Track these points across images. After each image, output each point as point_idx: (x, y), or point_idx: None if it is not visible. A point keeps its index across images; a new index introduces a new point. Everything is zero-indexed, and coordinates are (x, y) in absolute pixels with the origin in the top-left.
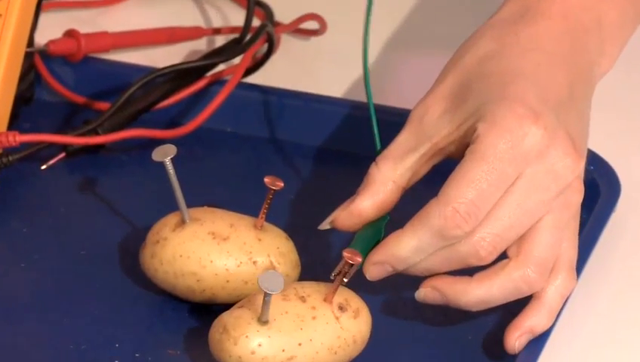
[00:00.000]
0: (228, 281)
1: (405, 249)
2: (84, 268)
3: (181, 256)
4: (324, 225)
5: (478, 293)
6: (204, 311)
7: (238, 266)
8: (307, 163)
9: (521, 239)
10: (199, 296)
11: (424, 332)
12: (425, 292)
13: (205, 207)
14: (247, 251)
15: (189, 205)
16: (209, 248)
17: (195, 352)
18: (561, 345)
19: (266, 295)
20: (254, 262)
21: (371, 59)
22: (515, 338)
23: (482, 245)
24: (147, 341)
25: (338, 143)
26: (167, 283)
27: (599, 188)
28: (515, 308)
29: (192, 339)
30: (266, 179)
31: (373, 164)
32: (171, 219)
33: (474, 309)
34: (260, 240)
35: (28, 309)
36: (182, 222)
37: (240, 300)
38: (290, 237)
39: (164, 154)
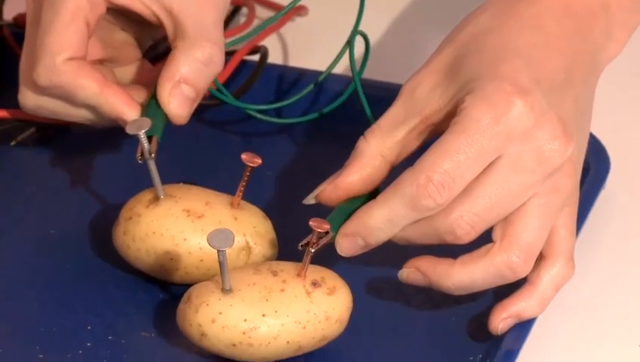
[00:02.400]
0: (202, 260)
1: (376, 219)
2: (54, 248)
3: (154, 233)
4: (309, 200)
5: (460, 277)
6: (178, 293)
7: None
8: (287, 138)
9: (506, 222)
10: (172, 274)
11: (407, 314)
12: (407, 273)
13: (181, 184)
14: None
15: (165, 182)
16: (183, 226)
17: (169, 334)
18: (550, 324)
19: (219, 254)
20: None
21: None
22: (501, 320)
23: (459, 223)
24: (120, 323)
25: (319, 118)
26: (140, 261)
27: (589, 165)
28: (502, 292)
29: (165, 321)
30: (243, 156)
31: (362, 137)
32: (145, 195)
33: (456, 293)
34: (236, 218)
35: None
36: (156, 199)
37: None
38: (268, 215)
39: (138, 127)
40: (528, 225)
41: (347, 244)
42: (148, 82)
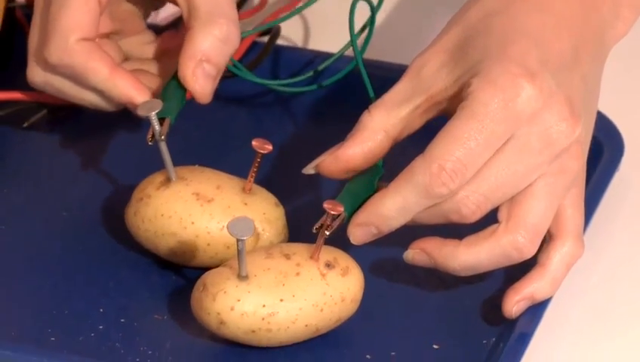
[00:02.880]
0: (209, 244)
1: (390, 208)
2: (66, 231)
3: (162, 215)
4: (309, 169)
5: (465, 258)
6: (191, 276)
7: (221, 230)
8: (301, 122)
9: (512, 203)
10: (180, 257)
11: (419, 297)
12: (413, 254)
13: (196, 166)
14: (230, 215)
15: (180, 163)
16: (191, 209)
17: (181, 317)
18: (563, 307)
19: (238, 242)
20: None
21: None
22: (514, 303)
23: (465, 203)
24: (132, 306)
25: (335, 101)
26: (150, 242)
27: (603, 147)
28: (515, 274)
29: (177, 304)
30: (254, 142)
31: (366, 111)
32: (158, 177)
33: (462, 274)
34: (245, 204)
35: (7, 274)
36: (168, 181)
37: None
38: (281, 199)
39: (150, 109)
40: (534, 205)
41: (360, 234)
42: (152, 54)
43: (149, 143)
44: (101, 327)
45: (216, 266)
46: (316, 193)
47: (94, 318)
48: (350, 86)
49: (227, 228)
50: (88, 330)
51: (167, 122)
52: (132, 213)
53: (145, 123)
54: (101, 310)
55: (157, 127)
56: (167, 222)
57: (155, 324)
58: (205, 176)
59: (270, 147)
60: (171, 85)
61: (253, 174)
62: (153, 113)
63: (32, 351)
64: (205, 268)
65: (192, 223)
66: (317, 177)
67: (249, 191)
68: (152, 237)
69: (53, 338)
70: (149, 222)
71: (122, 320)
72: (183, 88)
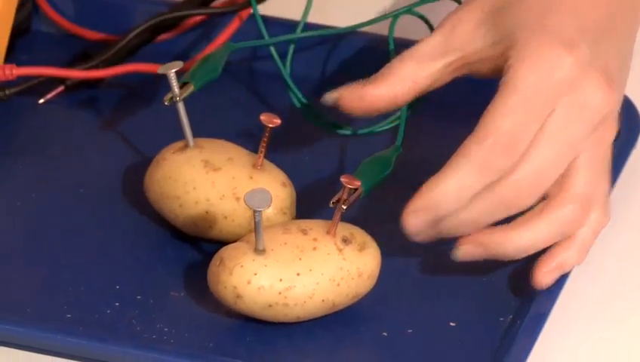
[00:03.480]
0: (207, 212)
1: (447, 190)
2: (82, 207)
3: (170, 177)
4: (328, 98)
5: (520, 241)
6: (209, 251)
7: (220, 199)
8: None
9: (560, 178)
10: (181, 222)
11: (437, 274)
12: (464, 250)
13: (221, 140)
14: (232, 186)
15: (208, 136)
16: (196, 175)
17: (198, 294)
18: (580, 284)
19: (255, 214)
20: (237, 198)
21: None
22: (544, 274)
23: (524, 184)
24: (148, 283)
25: (348, 77)
26: (157, 204)
27: (619, 124)
28: None
29: (194, 281)
30: (262, 117)
31: (399, 57)
32: (179, 143)
33: (516, 258)
34: (251, 178)
35: (23, 250)
36: (186, 147)
37: (222, 236)
38: (294, 177)
39: (169, 68)
40: (582, 177)
41: (415, 221)
42: None
43: (165, 104)
44: (117, 304)
45: (221, 238)
46: (329, 170)
47: (110, 295)
48: (367, 65)
49: (244, 199)
50: (104, 307)
51: (188, 87)
52: (148, 176)
53: (156, 99)
54: (117, 287)
55: (176, 87)
56: (174, 186)
57: (171, 301)
58: (223, 148)
59: (278, 121)
60: (207, 58)
61: (263, 149)
62: (172, 71)
63: (47, 328)
64: (216, 242)
65: (194, 188)
66: (331, 153)
67: (260, 166)
68: (158, 199)
69: (69, 315)
70: (157, 183)
71: (138, 297)
72: (217, 62)
